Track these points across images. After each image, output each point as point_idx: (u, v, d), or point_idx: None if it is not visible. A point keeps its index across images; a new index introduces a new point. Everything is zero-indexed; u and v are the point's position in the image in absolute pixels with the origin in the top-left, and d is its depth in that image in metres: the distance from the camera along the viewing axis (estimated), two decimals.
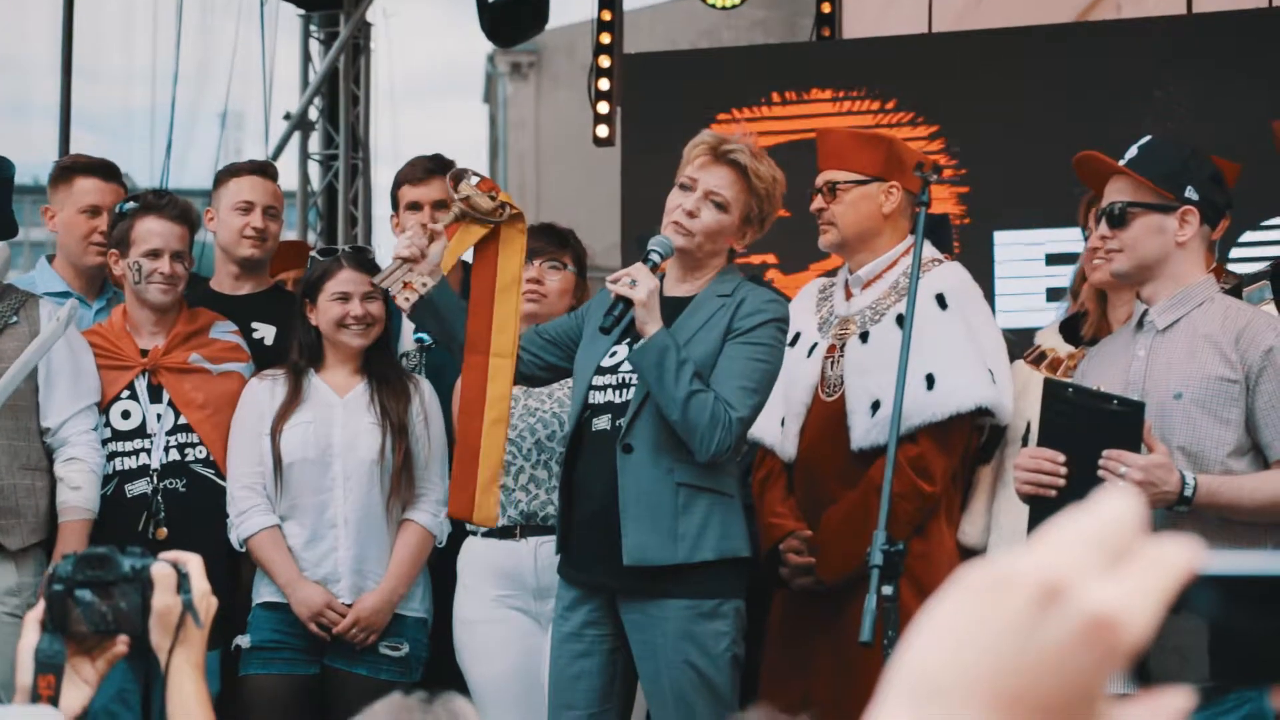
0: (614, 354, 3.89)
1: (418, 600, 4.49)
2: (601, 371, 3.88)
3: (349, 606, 4.37)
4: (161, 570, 2.02)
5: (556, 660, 3.94)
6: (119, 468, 4.41)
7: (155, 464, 4.42)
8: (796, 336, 4.22)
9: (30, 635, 1.98)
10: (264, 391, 4.46)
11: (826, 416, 4.09)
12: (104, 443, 4.40)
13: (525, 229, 4.06)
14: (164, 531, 4.36)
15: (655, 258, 3.82)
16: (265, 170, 5.03)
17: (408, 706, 1.52)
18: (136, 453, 4.42)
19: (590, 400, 3.90)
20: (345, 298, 4.44)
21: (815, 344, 4.17)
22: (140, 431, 4.43)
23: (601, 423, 3.86)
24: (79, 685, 2.01)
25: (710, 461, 3.70)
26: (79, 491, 4.28)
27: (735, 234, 3.90)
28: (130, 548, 2.03)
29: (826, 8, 9.17)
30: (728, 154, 3.87)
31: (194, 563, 2.07)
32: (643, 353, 3.72)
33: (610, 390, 3.88)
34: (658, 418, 3.72)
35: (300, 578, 4.37)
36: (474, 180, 3.94)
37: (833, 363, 4.12)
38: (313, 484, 4.40)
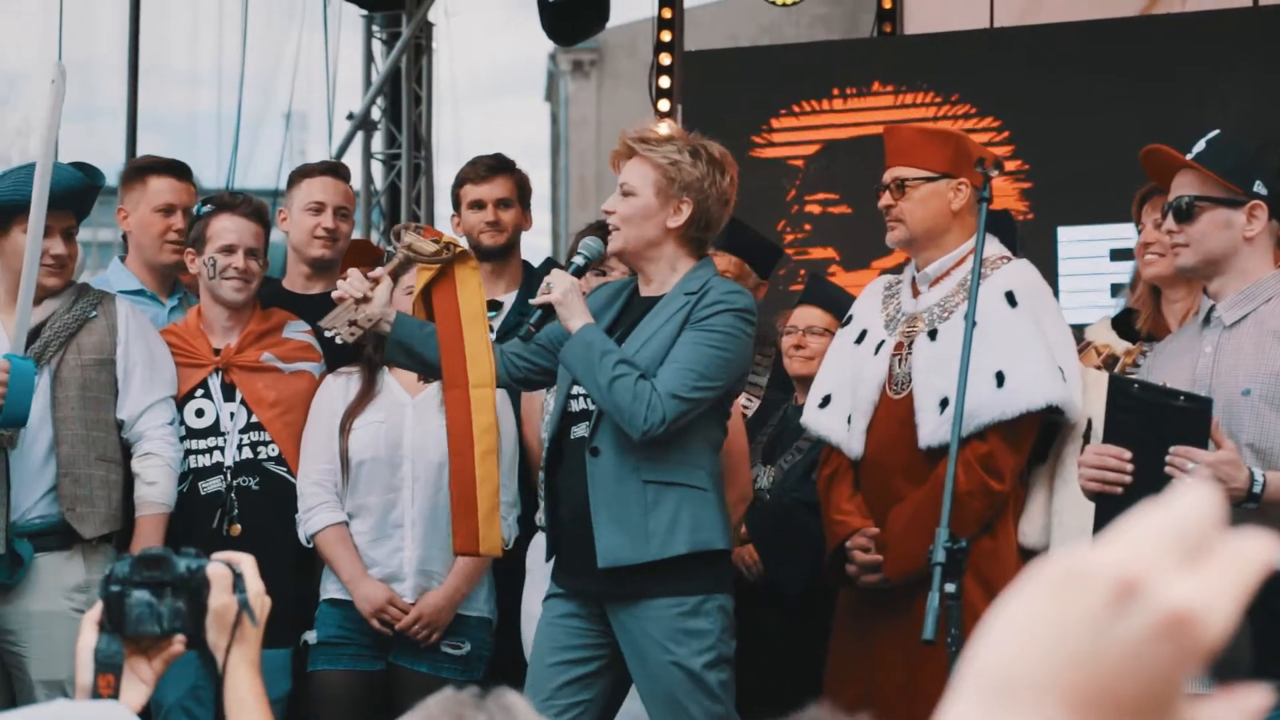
0: None
1: (481, 600, 4.50)
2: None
3: (412, 605, 4.38)
4: (217, 570, 2.04)
5: (536, 646, 3.96)
6: (193, 465, 4.46)
7: (229, 461, 4.46)
8: (863, 334, 4.20)
9: (88, 636, 2.00)
10: (338, 389, 4.49)
11: (894, 414, 4.07)
12: (179, 440, 4.44)
13: (476, 266, 4.14)
14: (237, 529, 4.40)
15: (579, 260, 3.95)
16: (337, 171, 5.08)
17: (460, 701, 1.53)
18: (210, 450, 4.47)
19: (570, 409, 3.94)
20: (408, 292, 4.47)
21: (882, 341, 4.15)
22: (214, 429, 4.47)
23: (580, 430, 3.91)
24: (136, 685, 2.03)
25: (645, 440, 3.71)
26: (155, 486, 4.32)
27: (660, 213, 3.88)
28: (185, 549, 2.04)
29: (888, 3, 9.13)
30: (626, 148, 3.92)
31: (247, 563, 2.08)
32: (569, 348, 3.79)
33: (586, 399, 3.91)
34: None
35: (364, 574, 4.39)
36: (418, 231, 4.13)
37: (900, 360, 4.09)
38: (381, 483, 4.42)
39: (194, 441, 4.48)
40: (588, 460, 3.81)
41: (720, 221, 3.99)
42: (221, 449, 4.47)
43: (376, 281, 3.96)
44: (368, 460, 4.43)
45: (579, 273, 3.94)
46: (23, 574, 4.17)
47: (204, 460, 4.47)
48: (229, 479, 4.45)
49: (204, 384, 4.51)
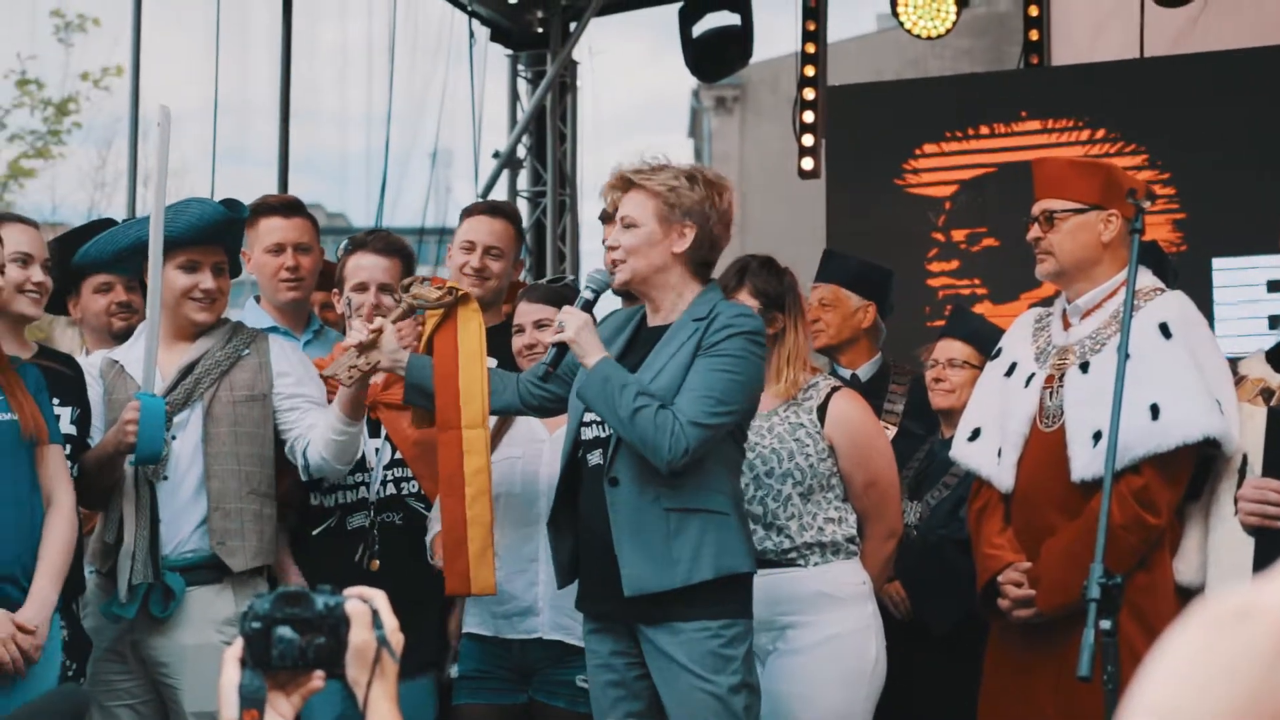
0: None
1: None
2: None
3: (540, 639, 4.38)
4: (357, 607, 2.06)
5: (593, 688, 3.99)
6: (340, 500, 4.50)
7: (373, 497, 4.50)
8: (1013, 366, 4.16)
9: (231, 672, 2.03)
10: None
11: (1045, 447, 4.01)
12: (324, 478, 4.49)
13: (478, 308, 4.23)
14: (377, 564, 4.44)
15: (588, 294, 3.97)
16: (495, 210, 5.13)
17: None
18: (356, 486, 4.51)
19: (583, 436, 3.97)
20: (521, 330, 4.52)
21: (1033, 374, 4.10)
22: (360, 465, 4.51)
23: (596, 458, 3.93)
24: None
25: (670, 470, 3.71)
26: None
27: (664, 240, 3.89)
28: (320, 585, 2.07)
29: (1034, 35, 9.05)
30: (624, 180, 3.95)
31: (381, 599, 2.11)
32: (587, 384, 3.81)
33: (599, 426, 3.93)
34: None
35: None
36: (424, 283, 4.24)
37: (1051, 393, 4.04)
38: (517, 518, 4.45)
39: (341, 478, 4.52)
40: (607, 490, 3.82)
41: (722, 243, 3.99)
42: (367, 484, 4.51)
43: (379, 331, 4.09)
44: (503, 495, 4.46)
45: (587, 306, 3.95)
46: (175, 606, 4.24)
47: (350, 496, 4.52)
48: (373, 514, 4.49)
49: None
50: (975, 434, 4.20)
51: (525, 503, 4.47)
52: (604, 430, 3.90)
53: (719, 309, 3.85)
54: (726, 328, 3.79)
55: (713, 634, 3.77)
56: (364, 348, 4.09)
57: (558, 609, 4.41)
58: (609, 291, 4.05)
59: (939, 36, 9.07)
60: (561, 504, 4.02)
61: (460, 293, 4.23)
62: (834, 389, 4.37)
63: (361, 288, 4.56)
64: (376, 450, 4.55)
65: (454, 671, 4.52)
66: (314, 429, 4.32)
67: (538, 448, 4.52)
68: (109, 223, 4.85)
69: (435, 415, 4.16)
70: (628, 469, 3.80)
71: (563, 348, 3.88)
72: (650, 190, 3.90)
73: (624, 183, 3.95)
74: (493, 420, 4.52)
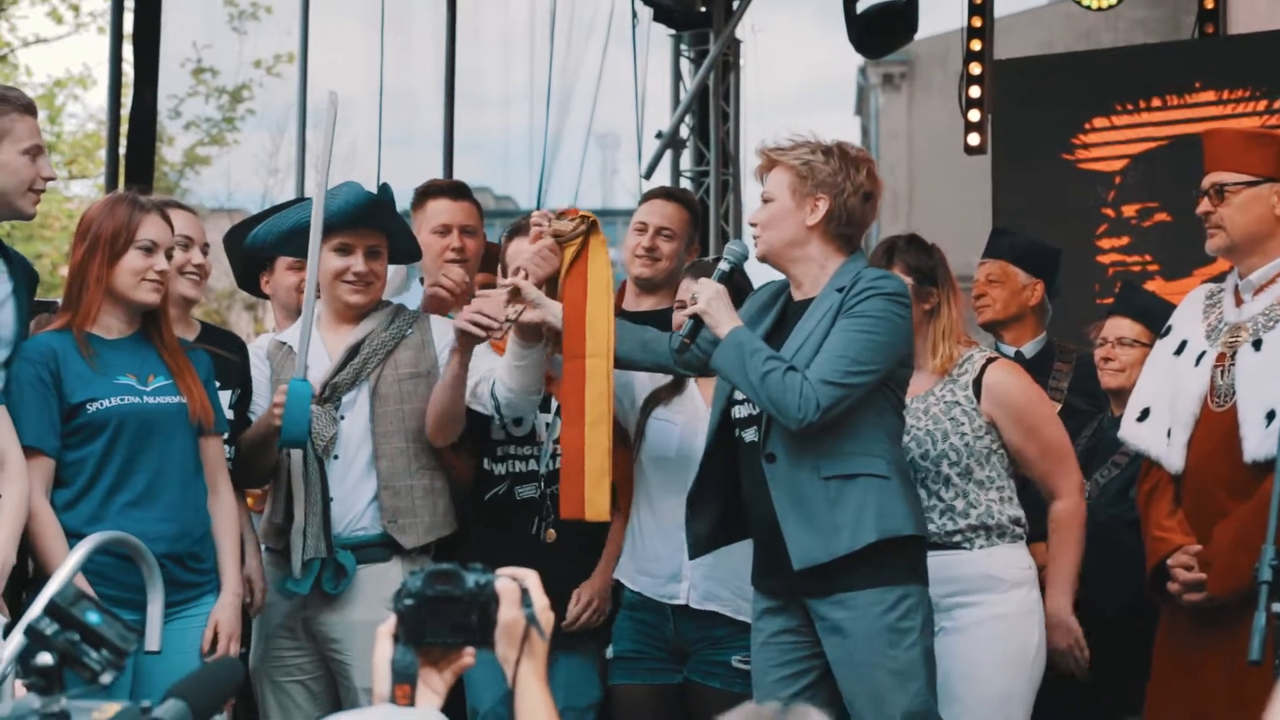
0: None
1: None
2: None
3: (688, 607, 4.38)
4: (506, 585, 2.09)
5: (755, 668, 3.99)
6: (511, 470, 4.56)
7: (542, 469, 4.55)
8: (1183, 344, 4.07)
9: (384, 648, 2.06)
10: (646, 377, 4.54)
11: (1217, 427, 3.92)
12: (497, 445, 4.56)
13: (605, 240, 4.25)
14: (553, 534, 4.50)
15: (724, 266, 4.02)
16: (671, 195, 5.18)
17: (761, 715, 1.53)
18: (526, 458, 4.56)
19: (736, 415, 3.97)
20: (682, 305, 4.53)
21: (1203, 352, 4.00)
22: (530, 438, 4.57)
23: (751, 434, 3.92)
24: (428, 695, 2.09)
25: (802, 430, 3.70)
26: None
27: (797, 212, 3.90)
28: (472, 564, 2.09)
29: (1210, 3, 8.84)
30: (766, 158, 3.98)
31: (532, 578, 2.13)
32: (720, 353, 3.82)
33: (750, 404, 3.92)
34: None
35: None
36: (561, 217, 4.27)
37: (1223, 372, 3.94)
38: (669, 483, 4.44)
39: (513, 447, 4.58)
40: (765, 466, 3.82)
41: (864, 217, 3.97)
42: (537, 457, 4.56)
43: (515, 288, 4.14)
44: (656, 459, 4.48)
45: (724, 278, 3.98)
46: (346, 584, 4.31)
47: (520, 466, 4.57)
48: (542, 486, 4.54)
49: None
50: (1144, 414, 4.12)
51: (679, 469, 4.46)
52: (754, 407, 3.90)
53: (861, 274, 3.84)
54: (866, 290, 3.78)
55: (888, 606, 3.75)
56: (512, 299, 4.13)
57: (711, 579, 4.40)
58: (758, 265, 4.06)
59: (1110, 7, 8.89)
60: (707, 480, 4.03)
61: (591, 219, 4.25)
62: (989, 360, 4.31)
63: (518, 272, 4.61)
64: (548, 425, 4.59)
65: (609, 652, 4.55)
66: (495, 370, 4.37)
67: (698, 421, 4.52)
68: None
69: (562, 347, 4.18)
70: (782, 443, 3.80)
71: (699, 320, 3.90)
72: (786, 165, 3.93)
73: (767, 160, 3.98)
74: (663, 378, 4.53)
